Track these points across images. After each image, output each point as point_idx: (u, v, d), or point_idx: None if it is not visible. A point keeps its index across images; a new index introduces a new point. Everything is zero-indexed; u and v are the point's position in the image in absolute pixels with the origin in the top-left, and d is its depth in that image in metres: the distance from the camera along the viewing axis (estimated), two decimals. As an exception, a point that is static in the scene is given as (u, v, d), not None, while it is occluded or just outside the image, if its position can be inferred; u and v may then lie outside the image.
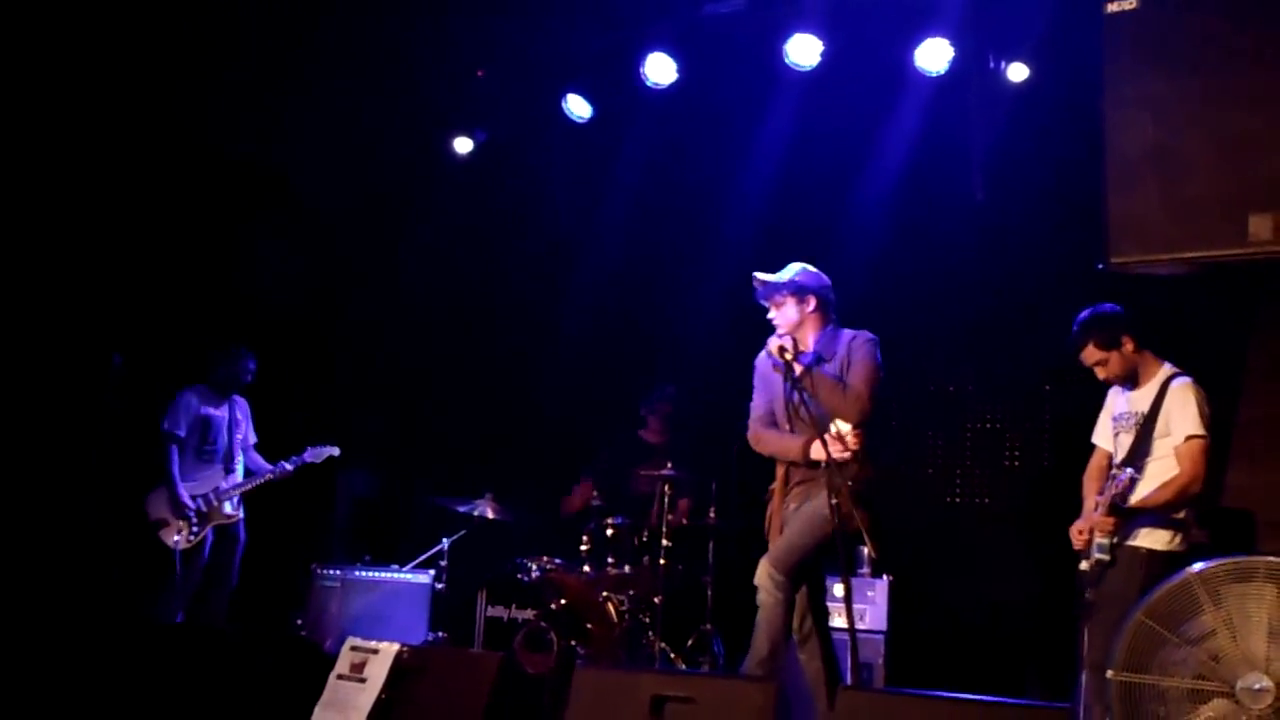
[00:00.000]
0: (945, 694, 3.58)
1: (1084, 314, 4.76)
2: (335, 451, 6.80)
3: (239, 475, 6.76)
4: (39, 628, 5.09)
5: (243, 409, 6.92)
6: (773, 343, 4.67)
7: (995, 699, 3.63)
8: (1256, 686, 3.44)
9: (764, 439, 4.76)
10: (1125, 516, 4.50)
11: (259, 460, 6.87)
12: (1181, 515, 4.57)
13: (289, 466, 6.73)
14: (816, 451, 4.44)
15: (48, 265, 6.74)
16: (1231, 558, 3.60)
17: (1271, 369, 5.81)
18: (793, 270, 4.79)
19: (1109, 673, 3.64)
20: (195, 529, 6.50)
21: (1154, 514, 4.53)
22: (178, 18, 6.37)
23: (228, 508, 6.65)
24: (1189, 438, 4.52)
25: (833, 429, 4.49)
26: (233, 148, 7.19)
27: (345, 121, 7.19)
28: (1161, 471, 4.58)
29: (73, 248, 6.84)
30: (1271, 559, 3.51)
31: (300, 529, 7.47)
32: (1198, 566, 3.64)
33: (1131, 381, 4.77)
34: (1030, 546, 6.41)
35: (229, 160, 7.27)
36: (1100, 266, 4.00)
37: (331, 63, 6.84)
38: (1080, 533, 4.61)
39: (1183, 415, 4.55)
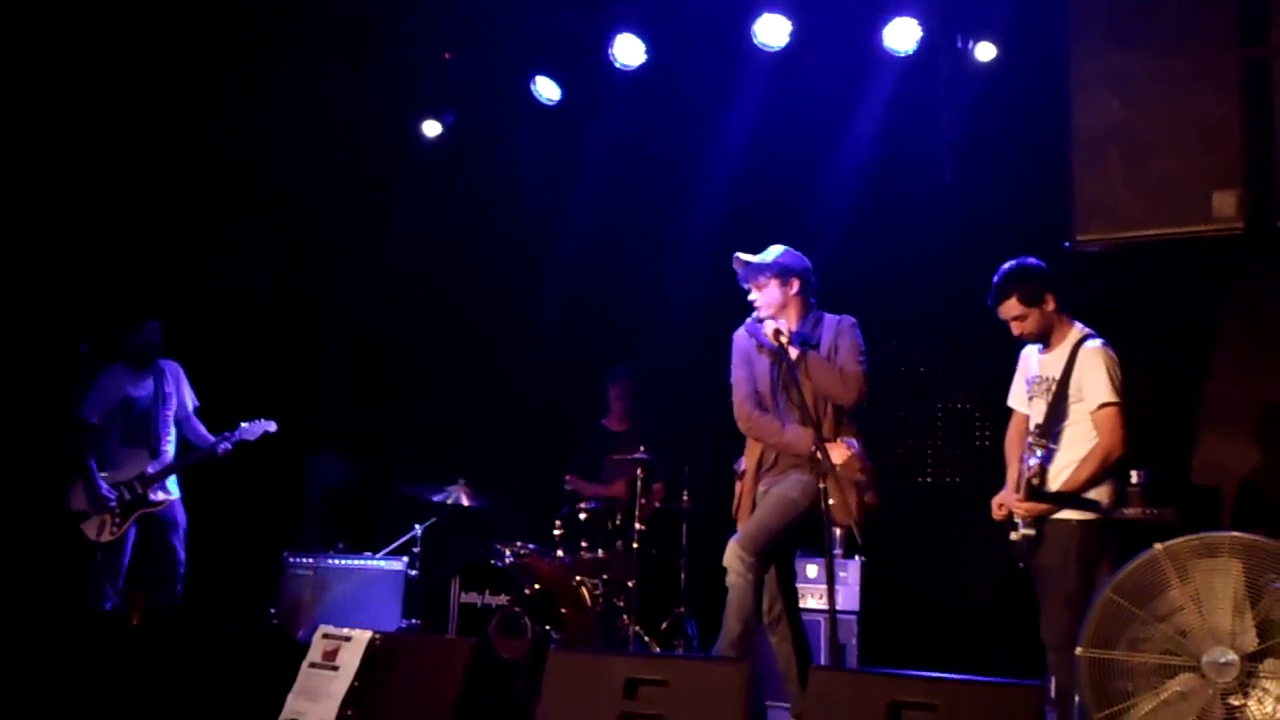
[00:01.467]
0: (917, 672, 3.58)
1: (1008, 265, 4.64)
2: (272, 427, 6.49)
3: (169, 455, 6.40)
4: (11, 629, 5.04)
5: (173, 375, 6.53)
6: (768, 326, 4.63)
7: (967, 677, 3.63)
8: (1222, 660, 3.45)
9: (765, 429, 4.68)
10: (1045, 501, 4.42)
11: (200, 430, 6.52)
12: (1106, 485, 4.48)
13: (228, 445, 6.38)
14: (838, 455, 4.46)
15: (16, 254, 6.65)
16: (1198, 534, 3.61)
17: (1240, 346, 5.86)
18: (775, 251, 4.77)
19: (1078, 649, 3.65)
20: (117, 520, 6.19)
21: (1082, 489, 4.44)
22: (145, 6, 6.30)
23: (158, 494, 6.29)
24: (1103, 405, 4.43)
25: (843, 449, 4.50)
26: (200, 134, 7.11)
27: (314, 106, 7.13)
28: (1077, 437, 4.51)
29: (41, 237, 6.76)
30: (1236, 534, 3.52)
31: (272, 516, 7.42)
32: (1165, 543, 3.65)
33: (1044, 341, 4.67)
34: (1002, 526, 6.42)
35: (198, 147, 7.18)
36: (1066, 245, 4.01)
37: (300, 47, 6.79)
38: (1000, 506, 4.58)
39: (1095, 380, 4.46)
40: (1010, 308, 4.63)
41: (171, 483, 6.43)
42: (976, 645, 6.29)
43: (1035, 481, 4.42)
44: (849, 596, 6.05)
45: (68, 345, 6.35)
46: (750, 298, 4.75)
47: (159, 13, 6.36)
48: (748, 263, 4.72)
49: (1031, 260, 4.61)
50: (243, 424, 6.46)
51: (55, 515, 6.25)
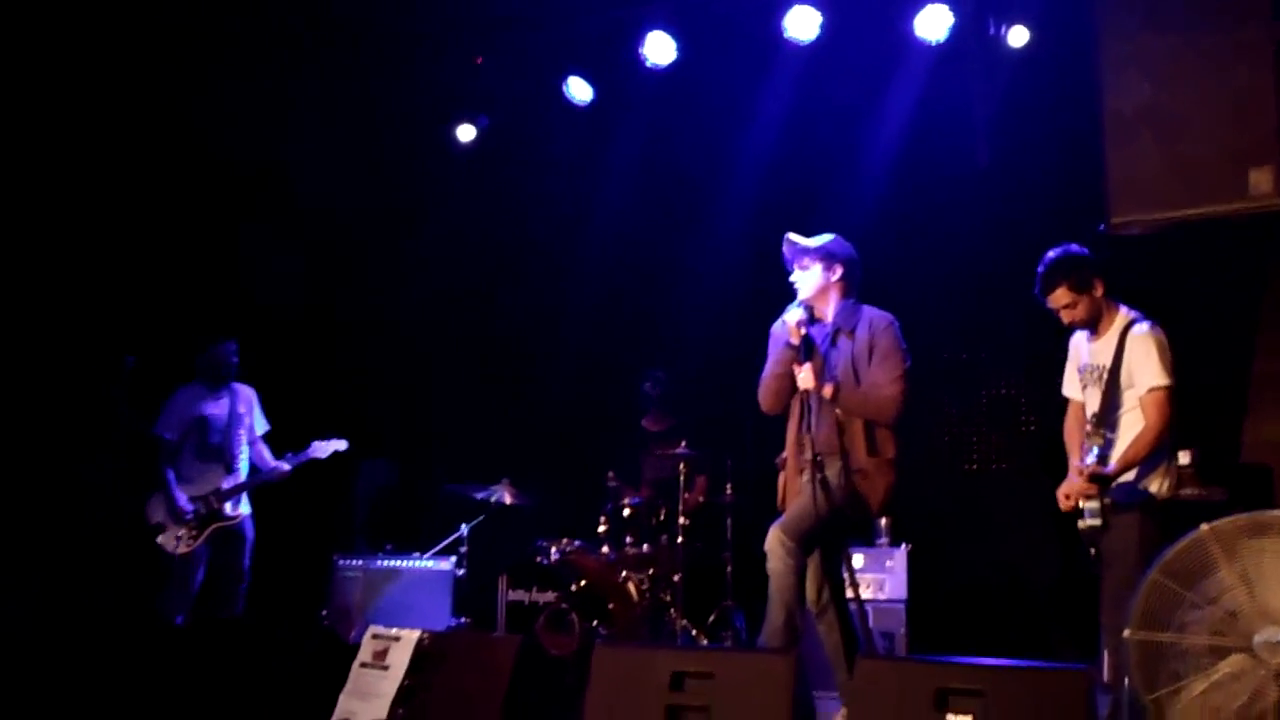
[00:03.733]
0: (963, 659, 3.58)
1: (1054, 253, 4.59)
2: (343, 445, 6.64)
3: (241, 473, 6.57)
4: (58, 630, 5.14)
5: (246, 399, 6.71)
6: (792, 317, 4.61)
7: (1014, 662, 3.63)
8: (1275, 640, 3.42)
9: (762, 383, 4.73)
10: (1107, 483, 4.41)
11: (265, 456, 6.70)
12: (1162, 463, 4.47)
13: (286, 467, 6.56)
14: (804, 380, 4.48)
15: (59, 269, 6.77)
16: (1246, 513, 3.58)
17: (1283, 323, 5.79)
18: (825, 238, 4.76)
19: (1125, 632, 3.63)
20: (194, 533, 6.33)
21: (1134, 471, 4.44)
22: (175, 18, 6.39)
23: (229, 508, 6.46)
24: (1152, 389, 4.40)
25: None
26: (237, 148, 7.19)
27: (347, 114, 7.21)
28: (1135, 423, 4.48)
29: (83, 252, 6.88)
30: (1284, 513, 3.49)
31: (321, 521, 7.51)
32: (1212, 523, 3.62)
33: (1093, 327, 4.63)
34: (1049, 510, 6.32)
35: (232, 158, 7.27)
36: (1101, 228, 3.99)
37: (331, 55, 6.86)
38: (1067, 496, 4.54)
39: (1145, 365, 4.42)
40: (1060, 296, 4.59)
41: (244, 500, 6.59)
42: (1027, 631, 6.27)
43: (1094, 469, 4.39)
44: (896, 585, 6.04)
45: (112, 358, 6.47)
46: (791, 278, 4.74)
47: (193, 28, 6.44)
48: (795, 243, 4.71)
49: (1075, 247, 4.57)
50: (315, 442, 6.62)
51: (123, 527, 6.37)
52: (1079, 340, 4.80)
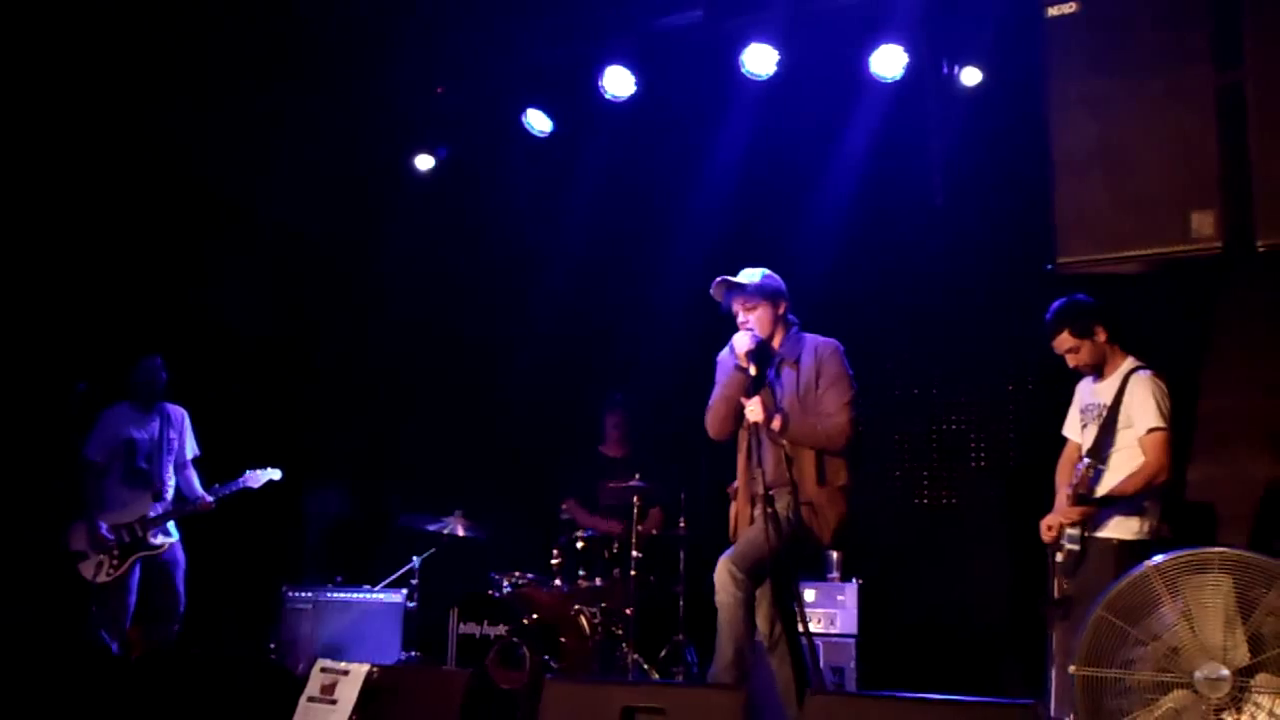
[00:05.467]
0: (913, 695, 3.59)
1: (1059, 302, 4.89)
2: (277, 475, 6.49)
3: (169, 500, 6.38)
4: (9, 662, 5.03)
5: (176, 420, 6.54)
6: (739, 345, 4.61)
7: (962, 698, 3.64)
8: (1215, 676, 3.48)
9: (710, 408, 4.74)
10: (1092, 506, 4.63)
11: (193, 483, 6.51)
12: (1147, 506, 4.67)
13: (210, 499, 6.37)
14: (752, 413, 4.49)
15: (11, 290, 6.68)
16: (1188, 550, 3.64)
17: (1229, 361, 5.91)
18: (757, 274, 4.75)
19: (1071, 668, 3.67)
20: (116, 562, 6.15)
21: (1121, 504, 4.64)
22: (139, 42, 6.36)
23: (158, 538, 6.28)
24: (1150, 430, 4.63)
25: None
26: (196, 169, 7.16)
27: (308, 140, 7.18)
28: (1125, 462, 4.69)
29: (36, 274, 6.79)
30: (1226, 550, 3.55)
31: (270, 550, 7.43)
32: (1156, 560, 3.68)
33: (1098, 372, 4.90)
34: (999, 546, 6.46)
35: (192, 182, 7.24)
36: (1049, 267, 4.06)
37: (294, 81, 6.84)
38: (1050, 527, 4.73)
39: (1143, 408, 4.67)
40: (1063, 341, 4.88)
41: (171, 525, 6.43)
42: (979, 666, 6.29)
43: (1082, 490, 4.62)
44: (847, 619, 6.06)
45: (65, 382, 6.37)
46: (740, 320, 4.74)
47: (155, 46, 6.40)
48: (741, 286, 4.69)
49: (1081, 296, 4.87)
50: (248, 471, 6.47)
51: (56, 553, 6.24)
52: (1084, 384, 5.03)
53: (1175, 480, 5.42)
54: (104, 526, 6.20)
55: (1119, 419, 4.73)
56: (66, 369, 6.45)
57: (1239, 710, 3.45)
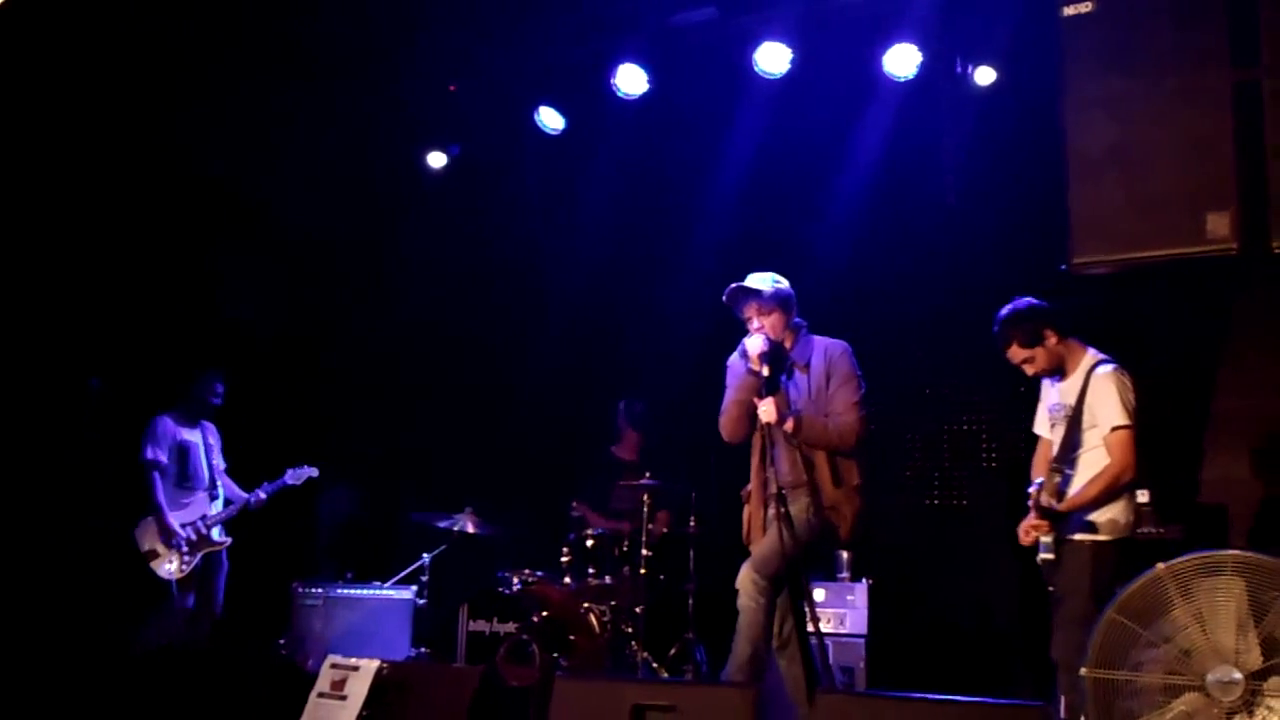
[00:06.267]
0: (922, 695, 3.59)
1: (1002, 311, 4.68)
2: (314, 472, 6.75)
3: (222, 501, 6.72)
4: (23, 659, 5.07)
5: (213, 434, 6.87)
6: (752, 349, 4.63)
7: (971, 699, 3.64)
8: (1227, 679, 3.46)
9: (723, 411, 4.76)
10: (1056, 519, 4.48)
11: (233, 487, 6.83)
12: (1119, 505, 4.51)
13: (263, 495, 6.70)
14: (766, 414, 4.48)
15: (25, 288, 6.71)
16: (1201, 552, 3.62)
17: (1244, 361, 5.87)
18: (766, 279, 4.76)
19: (1082, 670, 3.66)
20: (187, 558, 6.43)
21: (1088, 508, 4.48)
22: (150, 42, 6.37)
23: (216, 534, 6.61)
24: (1115, 428, 4.46)
25: None
26: (208, 169, 7.18)
27: (320, 140, 7.19)
28: (1094, 462, 4.53)
29: (50, 272, 6.82)
30: (1239, 552, 3.53)
31: (282, 547, 7.44)
32: (1168, 562, 3.66)
33: (1060, 373, 4.71)
34: (1010, 546, 6.39)
35: (205, 182, 7.25)
36: (1063, 268, 4.04)
37: (307, 80, 6.85)
38: (1025, 532, 4.60)
39: (1106, 405, 4.49)
40: (1015, 353, 4.69)
41: (222, 528, 6.69)
42: (987, 667, 6.27)
43: (1044, 503, 4.46)
44: (857, 620, 6.05)
45: (79, 380, 6.42)
46: (754, 326, 4.74)
47: (169, 54, 6.42)
48: (758, 292, 4.69)
49: (1024, 301, 4.65)
50: (289, 470, 6.76)
51: (100, 552, 6.40)
52: (1048, 380, 4.85)
53: (1187, 481, 5.41)
54: (174, 523, 6.43)
55: (1084, 418, 4.55)
56: (81, 368, 6.51)
57: (1251, 714, 3.43)
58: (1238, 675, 3.44)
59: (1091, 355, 4.64)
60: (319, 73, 6.81)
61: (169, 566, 6.37)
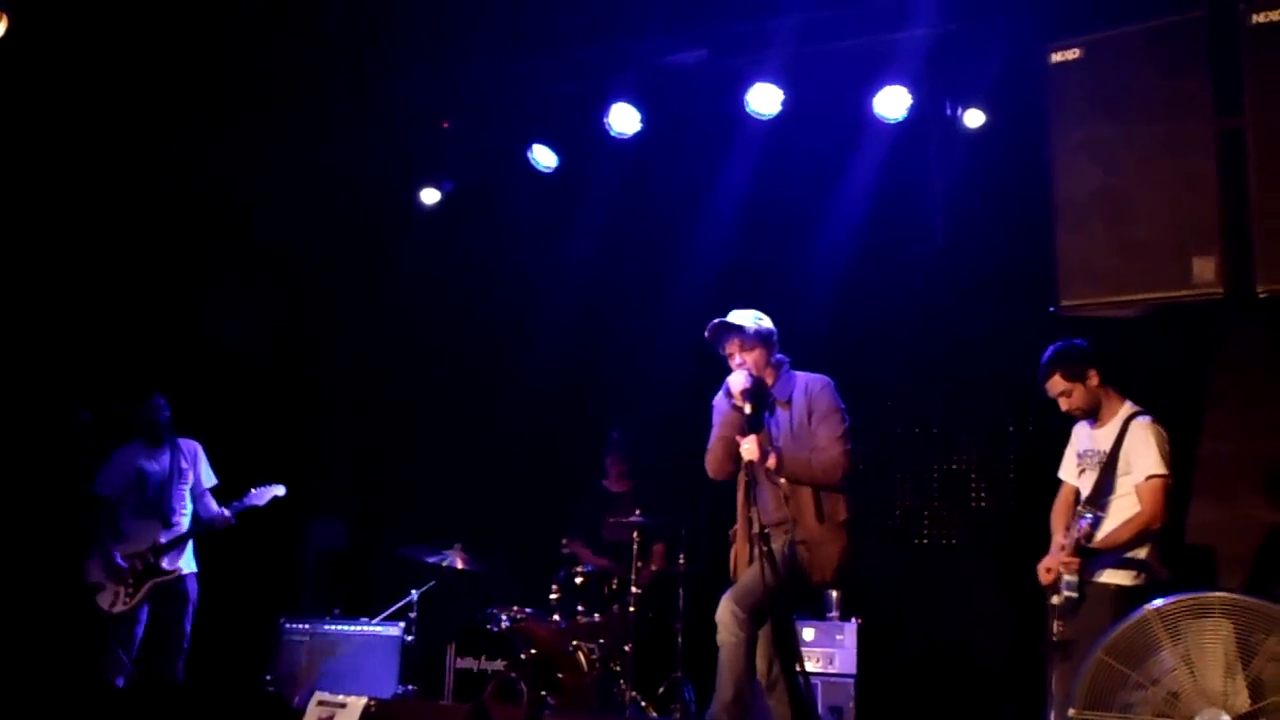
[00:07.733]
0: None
1: (1053, 346, 4.86)
2: (281, 491, 6.55)
3: (182, 526, 6.45)
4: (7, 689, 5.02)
5: (190, 453, 6.62)
6: (735, 385, 4.66)
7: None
8: (1215, 722, 3.47)
9: (709, 450, 4.76)
10: (1089, 557, 4.60)
11: (211, 507, 6.57)
12: (1145, 552, 4.65)
13: (228, 514, 6.45)
14: (748, 452, 4.47)
15: (12, 319, 6.71)
16: (1189, 594, 3.64)
17: (1229, 405, 5.91)
18: (750, 317, 4.79)
19: (1071, 711, 3.66)
20: (131, 591, 6.24)
21: (1117, 551, 4.62)
22: (147, 69, 6.41)
23: (165, 563, 6.33)
24: (1150, 476, 4.62)
25: None
26: (199, 198, 7.21)
27: (312, 171, 7.23)
28: (1125, 509, 4.68)
29: (38, 303, 6.82)
30: (1226, 594, 3.55)
31: (268, 582, 7.41)
32: (1156, 603, 3.67)
33: (1094, 416, 4.87)
34: (998, 586, 6.44)
35: (195, 211, 7.28)
36: (1052, 309, 4.08)
37: (300, 113, 6.89)
38: (1048, 570, 4.72)
39: (1144, 454, 4.65)
40: (1055, 385, 4.84)
41: (188, 556, 6.49)
42: (975, 707, 6.26)
43: (1084, 542, 4.57)
44: (845, 659, 6.03)
45: (67, 410, 6.39)
46: (736, 362, 4.76)
47: (162, 73, 6.44)
48: (741, 328, 4.72)
49: (1076, 340, 4.82)
50: (251, 489, 6.54)
51: (68, 588, 6.29)
52: (1081, 427, 5.00)
53: (1174, 524, 5.43)
54: (118, 556, 6.27)
55: (1119, 465, 4.70)
56: (69, 395, 6.49)
57: (1239, 756, 3.43)
58: (1226, 718, 3.45)
59: (1129, 406, 4.81)
60: (317, 106, 6.86)
61: (109, 600, 6.21)
